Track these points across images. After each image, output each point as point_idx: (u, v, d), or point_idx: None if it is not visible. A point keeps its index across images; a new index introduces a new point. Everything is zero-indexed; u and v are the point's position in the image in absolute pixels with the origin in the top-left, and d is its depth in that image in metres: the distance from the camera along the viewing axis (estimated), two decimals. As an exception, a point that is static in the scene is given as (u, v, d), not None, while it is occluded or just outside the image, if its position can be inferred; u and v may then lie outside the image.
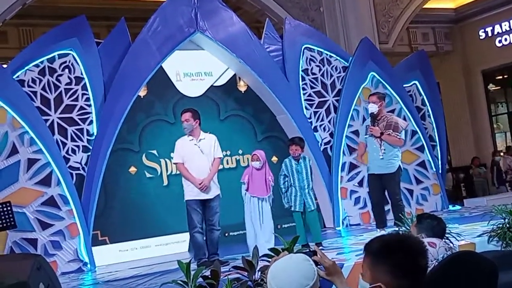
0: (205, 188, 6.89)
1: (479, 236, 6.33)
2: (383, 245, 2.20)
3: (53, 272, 4.65)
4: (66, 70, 8.38)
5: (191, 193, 6.91)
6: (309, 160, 7.62)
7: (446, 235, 5.20)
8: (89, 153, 8.34)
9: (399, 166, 7.61)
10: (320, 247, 7.13)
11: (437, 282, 2.57)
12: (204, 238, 6.98)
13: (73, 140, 8.33)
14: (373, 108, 7.62)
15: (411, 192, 10.42)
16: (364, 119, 9.57)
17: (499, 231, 6.10)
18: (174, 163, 7.53)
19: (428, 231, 3.72)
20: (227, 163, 9.65)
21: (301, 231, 7.37)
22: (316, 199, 7.76)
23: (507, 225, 6.07)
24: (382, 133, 7.51)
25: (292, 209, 7.45)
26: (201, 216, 6.91)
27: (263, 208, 7.26)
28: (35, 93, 8.18)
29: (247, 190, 7.30)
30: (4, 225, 6.53)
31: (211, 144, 7.04)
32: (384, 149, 7.50)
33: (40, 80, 8.23)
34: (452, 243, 5.47)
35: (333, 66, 10.36)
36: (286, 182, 7.48)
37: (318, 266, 2.40)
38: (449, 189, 14.80)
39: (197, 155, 6.93)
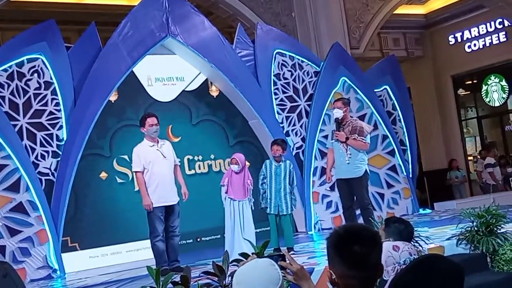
0: (186, 196, 7.07)
1: (448, 239, 6.40)
2: (333, 233, 2.28)
3: (20, 279, 4.59)
4: (35, 75, 8.28)
5: (156, 200, 6.87)
6: (290, 164, 7.65)
7: (416, 239, 5.26)
8: (59, 159, 8.24)
9: (366, 170, 7.69)
10: (291, 252, 7.14)
11: (404, 286, 2.59)
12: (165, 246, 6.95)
13: (42, 145, 8.23)
14: (338, 113, 7.69)
15: (382, 196, 10.50)
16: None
17: (467, 234, 6.18)
18: (134, 172, 7.24)
19: (395, 235, 3.74)
20: (199, 168, 9.62)
21: (274, 234, 7.42)
22: (295, 206, 7.76)
23: (475, 228, 6.15)
24: (347, 138, 7.58)
25: (268, 211, 7.50)
26: (163, 224, 6.89)
27: (244, 211, 7.28)
28: (3, 97, 8.07)
29: (226, 192, 7.30)
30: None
31: (170, 149, 7.14)
32: (350, 154, 7.56)
33: (9, 85, 8.12)
34: (421, 246, 5.52)
35: (304, 71, 10.40)
36: (264, 183, 7.52)
37: (287, 271, 2.40)
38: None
39: (160, 160, 6.96)
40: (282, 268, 2.33)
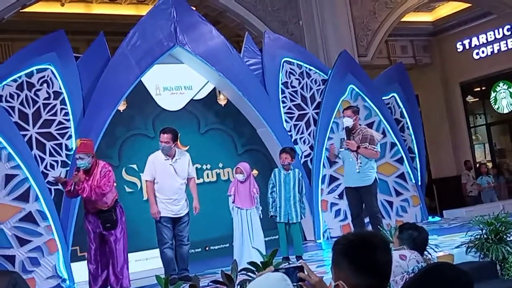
0: (196, 210, 7.04)
1: (457, 247, 6.37)
2: (344, 242, 2.21)
3: (30, 289, 4.61)
4: (45, 85, 8.33)
5: (163, 210, 6.89)
6: (299, 173, 7.67)
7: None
8: (68, 168, 8.27)
9: (375, 178, 7.68)
10: (300, 260, 7.13)
11: (413, 294, 2.58)
12: (174, 254, 6.94)
13: (51, 155, 8.27)
14: (348, 122, 7.67)
15: (391, 204, 10.47)
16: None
17: (477, 242, 6.14)
18: (144, 180, 7.44)
19: (409, 242, 3.68)
20: (208, 177, 9.63)
21: (283, 243, 7.43)
22: (304, 215, 7.76)
23: (485, 236, 6.11)
24: (358, 147, 7.56)
25: (277, 219, 7.50)
26: (171, 232, 6.90)
27: (252, 219, 7.28)
28: (13, 108, 8.12)
29: (233, 202, 7.31)
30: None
31: (185, 164, 7.05)
32: (360, 162, 7.55)
33: (18, 95, 8.17)
34: (430, 254, 5.50)
35: (312, 79, 10.42)
36: (273, 192, 7.52)
37: (305, 282, 2.36)
38: None
39: (171, 175, 6.93)
40: (301, 280, 2.29)
